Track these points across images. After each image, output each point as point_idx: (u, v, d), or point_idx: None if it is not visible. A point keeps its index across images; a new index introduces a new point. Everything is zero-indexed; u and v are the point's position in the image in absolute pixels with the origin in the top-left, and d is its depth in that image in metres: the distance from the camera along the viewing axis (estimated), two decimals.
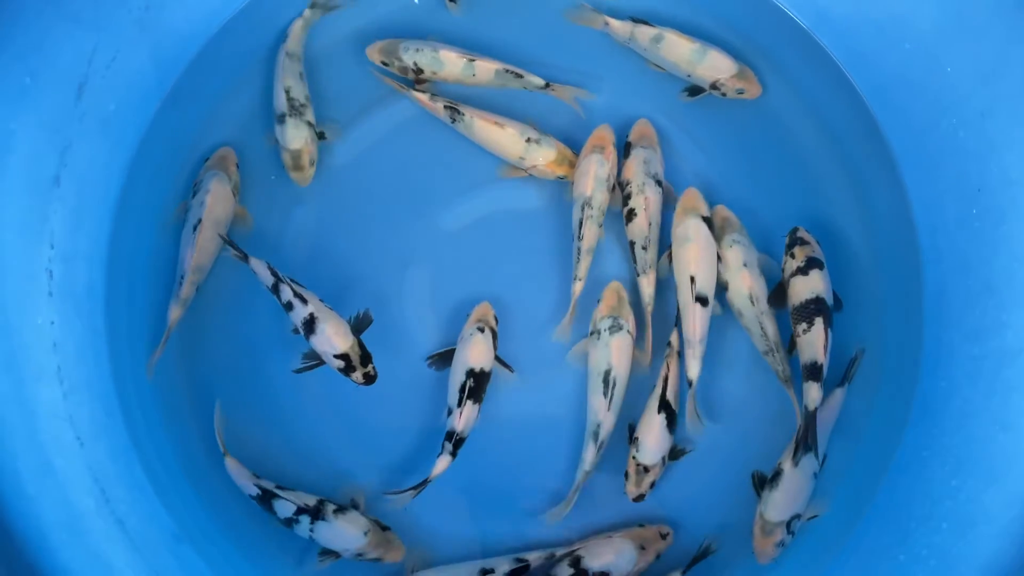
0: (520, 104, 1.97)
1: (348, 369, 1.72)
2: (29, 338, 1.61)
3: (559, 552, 1.79)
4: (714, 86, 1.94)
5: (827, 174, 1.98)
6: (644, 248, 1.88)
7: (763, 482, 1.78)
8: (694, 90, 1.93)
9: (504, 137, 1.92)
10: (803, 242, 1.84)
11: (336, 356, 1.71)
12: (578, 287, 1.89)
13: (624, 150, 1.96)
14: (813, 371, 1.73)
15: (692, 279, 1.83)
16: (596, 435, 1.79)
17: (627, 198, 1.92)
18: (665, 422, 1.78)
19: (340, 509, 1.79)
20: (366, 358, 1.74)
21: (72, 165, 1.71)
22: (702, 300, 1.82)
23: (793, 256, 1.82)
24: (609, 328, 1.82)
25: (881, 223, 1.92)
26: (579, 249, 1.89)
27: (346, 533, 1.74)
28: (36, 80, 1.60)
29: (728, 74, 1.93)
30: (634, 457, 1.79)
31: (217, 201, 1.85)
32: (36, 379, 1.61)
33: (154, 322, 1.81)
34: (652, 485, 1.79)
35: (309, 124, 1.90)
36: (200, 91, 1.93)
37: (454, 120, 1.95)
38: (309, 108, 1.90)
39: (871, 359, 1.85)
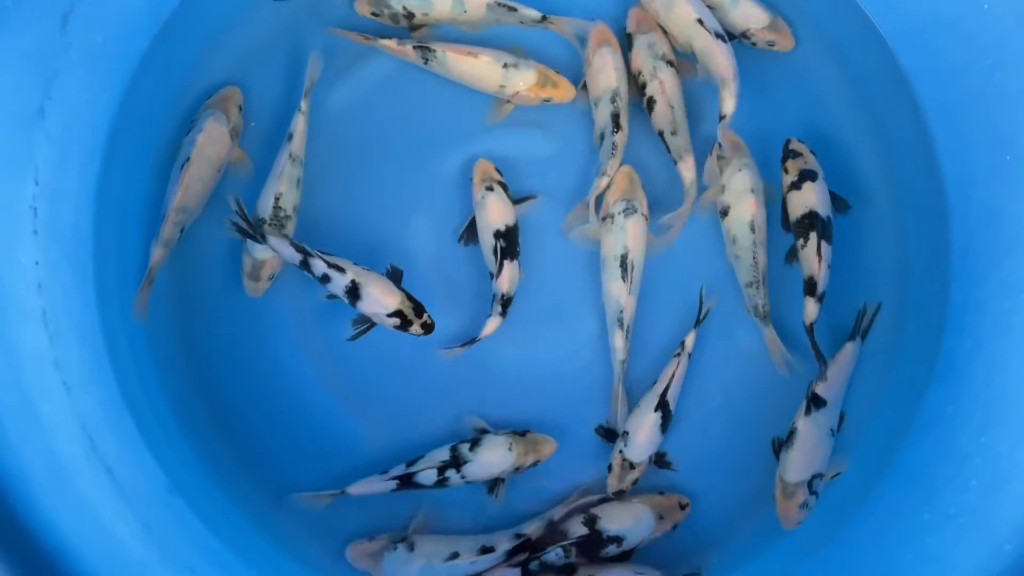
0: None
1: (405, 324, 1.70)
2: (12, 278, 1.54)
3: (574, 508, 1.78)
4: (744, 35, 1.87)
5: (848, 121, 1.92)
6: (674, 133, 1.83)
7: (782, 447, 1.76)
8: (727, 35, 1.83)
9: (479, 66, 1.85)
10: (796, 154, 1.80)
11: (389, 315, 1.69)
12: (603, 182, 1.84)
13: (626, 42, 1.89)
14: (809, 286, 1.73)
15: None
16: (620, 321, 1.78)
17: (643, 88, 1.86)
18: (659, 421, 1.76)
19: (474, 442, 1.77)
20: (419, 308, 1.71)
21: (58, 98, 1.63)
22: (722, 36, 1.78)
23: (787, 171, 1.79)
24: (624, 211, 1.79)
25: (905, 173, 1.86)
26: (614, 144, 1.84)
27: (494, 460, 1.75)
28: (17, 4, 1.51)
29: (760, 25, 1.87)
30: (621, 451, 1.76)
31: (210, 141, 1.78)
32: (20, 321, 1.54)
33: (145, 268, 1.75)
34: (634, 483, 1.76)
35: (285, 238, 1.78)
36: (195, 26, 1.85)
37: (427, 61, 1.87)
38: (292, 222, 1.80)
39: (891, 314, 1.82)
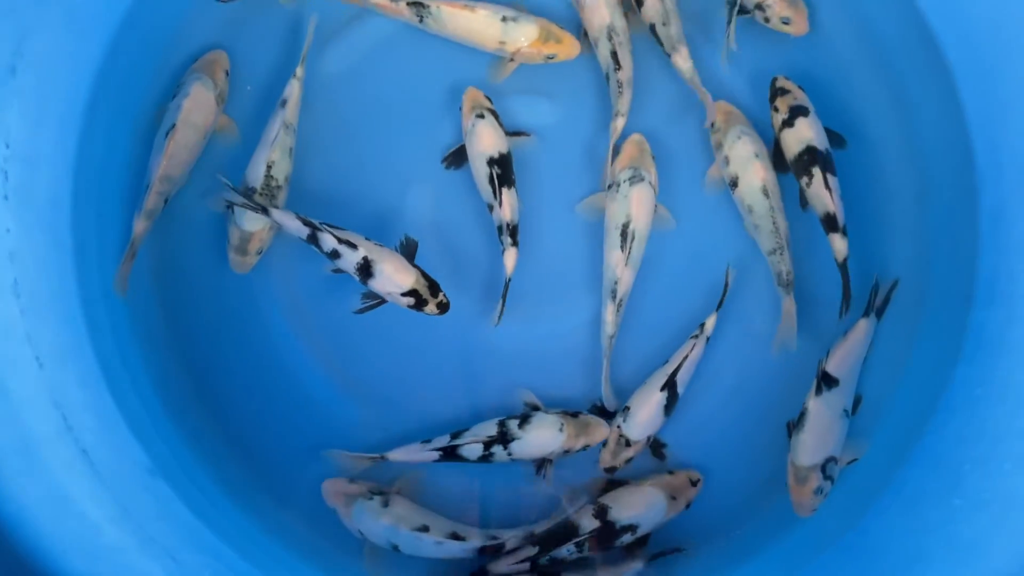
0: None
1: (419, 304, 1.64)
2: None
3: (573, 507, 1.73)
4: (759, 6, 1.78)
5: (869, 83, 1.83)
6: (664, 24, 1.75)
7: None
8: (740, 8, 1.76)
9: (476, 20, 1.76)
10: (784, 92, 1.74)
11: (404, 295, 1.62)
12: (620, 123, 1.77)
13: None
14: (829, 222, 1.69)
15: None
16: (614, 293, 1.71)
17: None
18: (664, 401, 1.70)
19: (524, 419, 1.70)
20: (434, 287, 1.65)
21: (30, 56, 1.54)
22: None
23: (777, 109, 1.73)
24: (630, 179, 1.72)
25: (930, 134, 1.77)
26: (619, 82, 1.76)
27: (543, 440, 1.69)
28: None
29: None
30: (619, 427, 1.71)
31: (196, 107, 1.71)
32: None
33: (127, 240, 1.69)
34: (628, 462, 1.72)
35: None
36: None
37: (422, 19, 1.78)
38: (283, 191, 1.73)
39: (912, 287, 1.74)
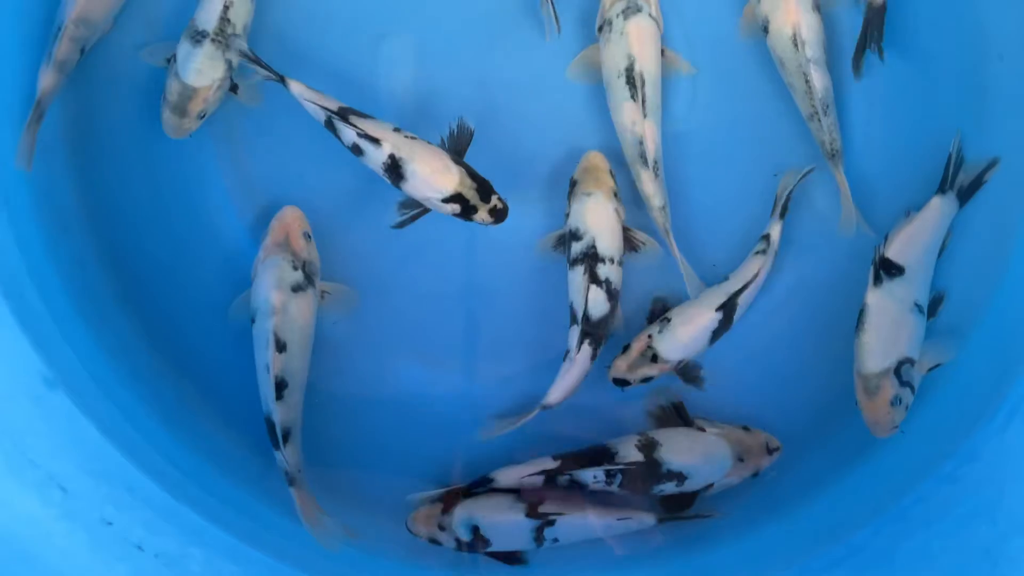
0: None
1: (467, 212, 1.43)
2: None
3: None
4: None
5: None
6: None
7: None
8: None
9: None
10: None
11: (445, 200, 1.41)
12: None
13: None
14: None
15: None
16: (643, 157, 1.50)
17: None
18: (715, 325, 1.51)
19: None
20: (486, 189, 1.44)
21: None
22: None
23: None
24: (623, 12, 1.52)
25: None
26: None
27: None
28: None
29: None
30: (650, 336, 1.52)
31: None
32: None
33: (31, 99, 1.50)
34: (645, 381, 1.53)
35: (228, 64, 1.51)
36: None
37: None
38: (241, 41, 1.51)
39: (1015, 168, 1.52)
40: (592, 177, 1.51)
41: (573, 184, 1.51)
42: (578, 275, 1.46)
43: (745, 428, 1.54)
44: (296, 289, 1.43)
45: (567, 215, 1.50)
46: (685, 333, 1.51)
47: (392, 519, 1.52)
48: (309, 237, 1.49)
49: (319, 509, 1.42)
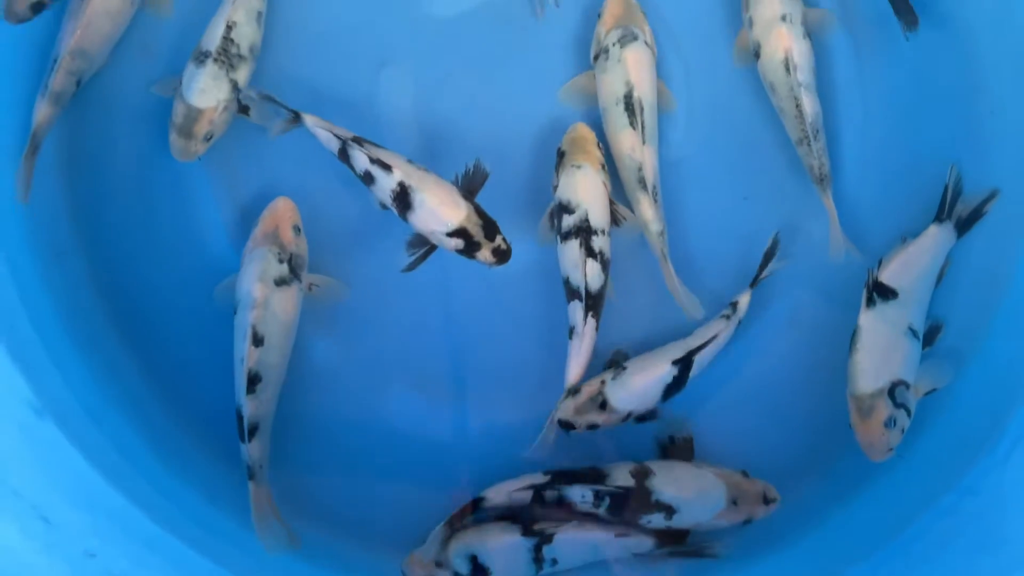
0: None
1: (470, 248, 1.41)
2: None
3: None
4: None
5: None
6: None
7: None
8: None
9: None
10: None
11: (449, 235, 1.40)
12: None
13: None
14: None
15: None
16: (642, 182, 1.51)
17: None
18: (670, 379, 1.47)
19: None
20: (491, 228, 1.42)
21: None
22: None
23: None
24: (619, 40, 1.54)
25: None
26: None
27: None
28: None
29: None
30: (603, 382, 1.48)
31: None
32: None
33: (27, 130, 1.50)
34: (591, 428, 1.48)
35: (234, 85, 1.51)
36: None
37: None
38: (247, 65, 1.52)
39: (1014, 199, 1.52)
40: (580, 149, 1.50)
41: (561, 155, 1.50)
42: (572, 249, 1.45)
43: (744, 473, 1.51)
44: (280, 283, 1.42)
45: (555, 187, 1.49)
46: (638, 382, 1.48)
47: (390, 554, 1.49)
48: (299, 230, 1.47)
49: (274, 510, 1.41)
